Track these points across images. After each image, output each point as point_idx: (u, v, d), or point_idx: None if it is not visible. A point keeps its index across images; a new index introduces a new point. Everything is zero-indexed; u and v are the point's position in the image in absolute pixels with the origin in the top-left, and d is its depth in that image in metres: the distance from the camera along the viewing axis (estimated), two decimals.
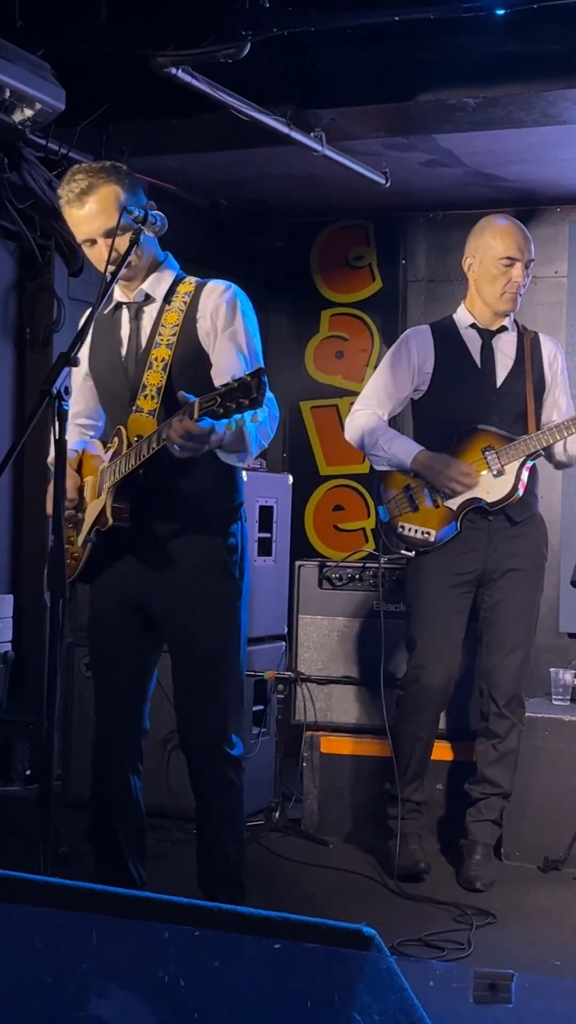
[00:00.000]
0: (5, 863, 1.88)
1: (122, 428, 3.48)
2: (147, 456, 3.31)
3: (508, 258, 4.40)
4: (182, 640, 3.52)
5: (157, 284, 3.53)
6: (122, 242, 3.35)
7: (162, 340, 3.46)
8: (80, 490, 3.58)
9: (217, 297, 3.46)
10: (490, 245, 4.43)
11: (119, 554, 3.53)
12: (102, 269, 3.41)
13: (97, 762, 3.64)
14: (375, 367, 4.72)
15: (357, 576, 5.22)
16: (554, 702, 4.99)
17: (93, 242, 3.43)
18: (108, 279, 3.26)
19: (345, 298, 7.31)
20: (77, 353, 2.98)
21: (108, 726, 3.61)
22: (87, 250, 3.48)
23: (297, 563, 5.35)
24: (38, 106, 4.63)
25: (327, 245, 7.34)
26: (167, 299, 3.50)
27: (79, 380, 3.69)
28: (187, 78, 4.71)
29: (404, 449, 4.45)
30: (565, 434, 4.34)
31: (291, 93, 5.27)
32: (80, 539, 3.55)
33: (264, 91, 5.11)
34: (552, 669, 5.09)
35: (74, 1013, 1.70)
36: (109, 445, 3.53)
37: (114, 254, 3.31)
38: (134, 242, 3.30)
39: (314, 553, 6.94)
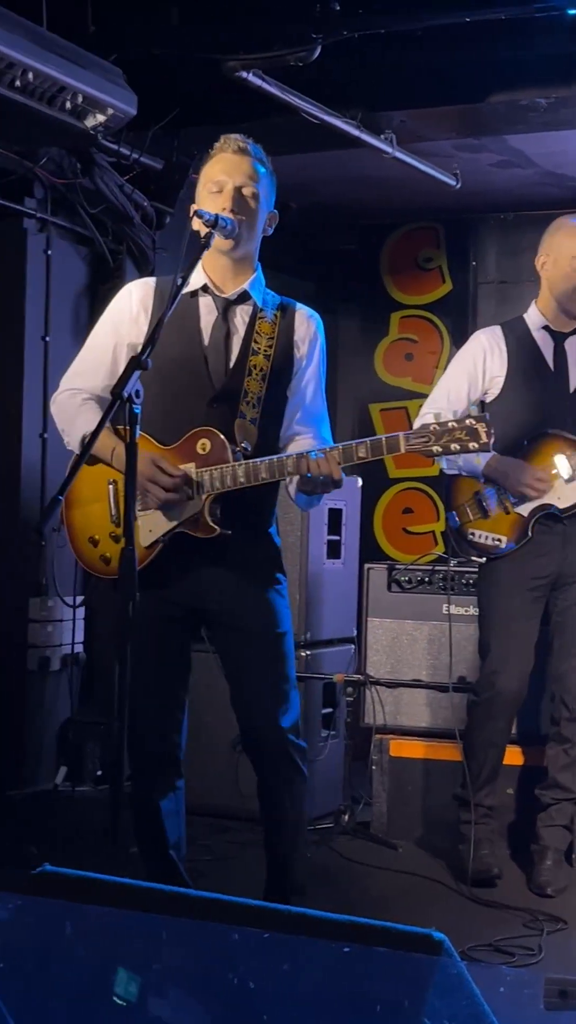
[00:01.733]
0: (77, 864, 1.90)
1: (216, 432, 3.29)
2: (282, 478, 3.27)
3: None
4: (248, 636, 3.46)
5: (257, 287, 3.47)
6: (249, 202, 3.35)
7: (259, 348, 3.40)
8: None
9: (315, 329, 3.52)
10: (563, 244, 4.40)
11: (180, 557, 3.38)
12: (212, 210, 3.32)
13: (135, 776, 3.49)
14: (445, 369, 4.70)
15: (426, 579, 5.19)
16: None
17: (221, 188, 3.36)
18: (179, 282, 3.25)
19: (415, 300, 7.29)
20: (148, 357, 2.98)
21: (145, 747, 3.44)
22: (207, 194, 3.38)
23: (366, 566, 5.34)
24: (110, 111, 4.66)
25: (397, 247, 7.33)
26: (263, 305, 3.45)
27: (109, 351, 3.46)
28: (258, 82, 4.73)
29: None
30: None
31: (361, 95, 5.27)
32: (147, 539, 3.36)
33: (333, 94, 5.12)
34: None
35: (142, 1013, 1.71)
36: (199, 448, 3.31)
37: (233, 211, 3.30)
38: (204, 246, 3.29)
39: (383, 556, 6.93)
